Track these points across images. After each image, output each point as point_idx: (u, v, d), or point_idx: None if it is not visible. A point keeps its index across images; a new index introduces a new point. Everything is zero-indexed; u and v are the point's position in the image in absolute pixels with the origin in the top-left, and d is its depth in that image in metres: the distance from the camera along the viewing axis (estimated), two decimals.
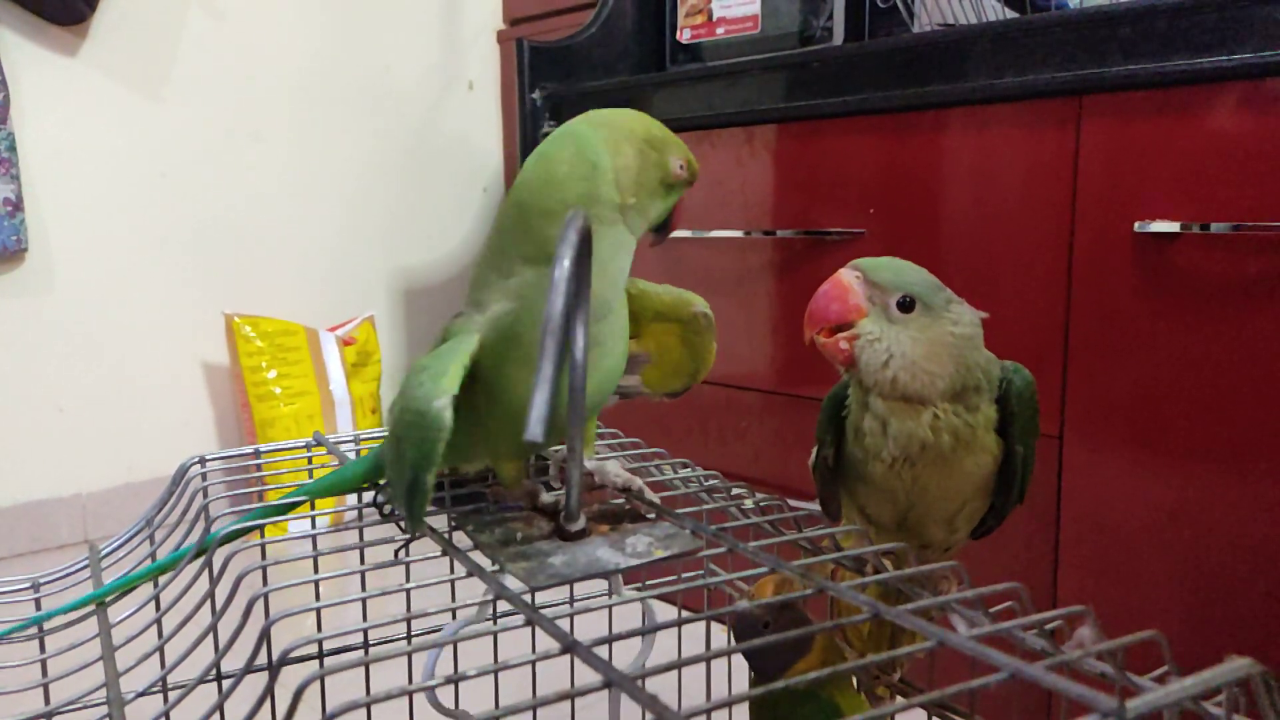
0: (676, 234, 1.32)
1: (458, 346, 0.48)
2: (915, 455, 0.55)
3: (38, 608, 0.59)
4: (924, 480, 0.56)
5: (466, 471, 0.59)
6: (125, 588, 0.58)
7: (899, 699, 0.64)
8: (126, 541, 0.64)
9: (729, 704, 0.35)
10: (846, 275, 0.55)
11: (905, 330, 0.53)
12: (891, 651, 0.37)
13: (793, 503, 0.64)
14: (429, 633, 0.73)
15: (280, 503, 0.60)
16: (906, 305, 0.53)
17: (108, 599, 0.59)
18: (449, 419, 0.46)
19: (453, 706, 0.57)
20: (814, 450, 0.63)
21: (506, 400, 0.50)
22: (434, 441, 0.46)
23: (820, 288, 0.56)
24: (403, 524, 0.54)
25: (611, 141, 0.49)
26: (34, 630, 0.58)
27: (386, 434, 0.53)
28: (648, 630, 0.43)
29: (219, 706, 0.47)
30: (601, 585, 0.82)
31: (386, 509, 0.56)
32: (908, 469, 0.56)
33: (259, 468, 0.69)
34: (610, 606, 0.57)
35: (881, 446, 0.56)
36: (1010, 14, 1.11)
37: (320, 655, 0.69)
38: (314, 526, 0.60)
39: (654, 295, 0.57)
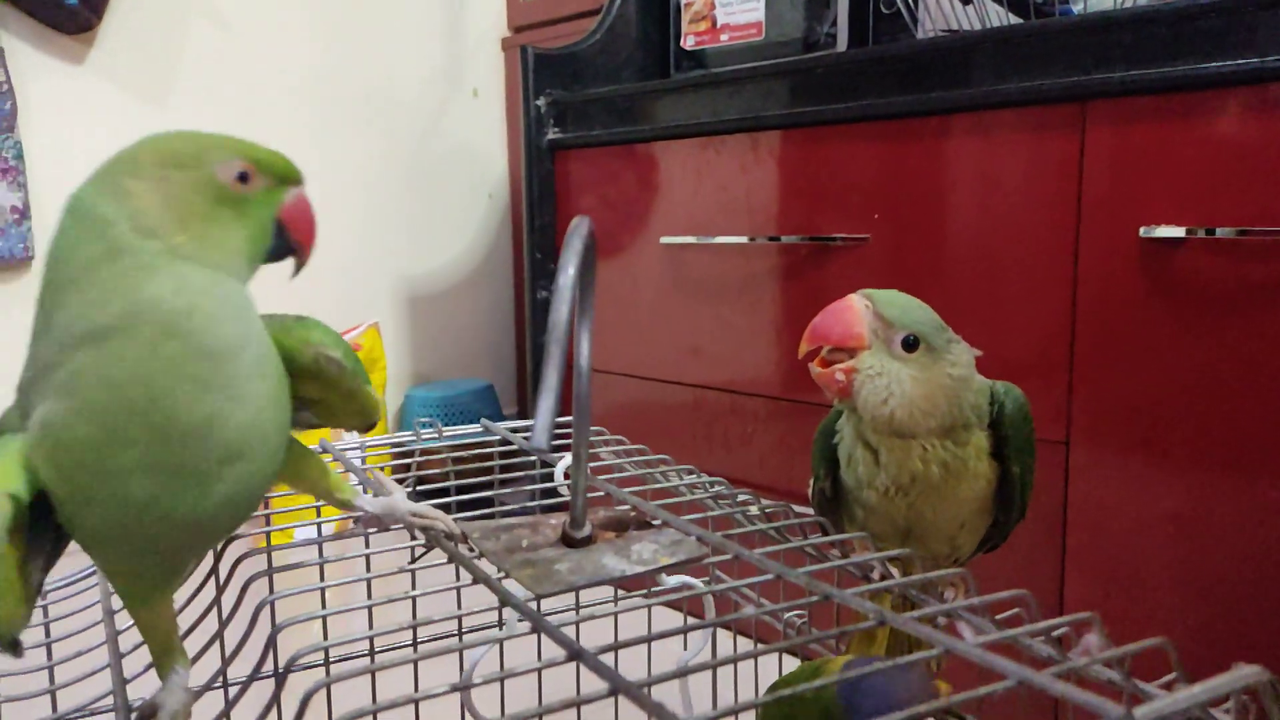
0: (680, 239, 1.33)
1: None
2: (907, 485, 0.55)
3: (45, 615, 0.59)
4: (919, 506, 0.56)
5: None
6: None
7: None
8: None
9: (736, 711, 0.35)
10: (857, 301, 0.55)
11: (906, 369, 0.53)
12: (895, 659, 0.36)
13: (798, 509, 0.64)
14: (435, 640, 0.73)
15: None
16: (911, 344, 0.53)
17: None
18: (8, 514, 0.37)
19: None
20: (811, 482, 0.63)
21: (92, 528, 0.40)
22: None
23: (829, 305, 0.55)
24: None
25: (112, 186, 0.39)
26: (42, 637, 0.58)
27: None
28: (654, 638, 0.43)
29: (226, 713, 0.47)
30: (609, 592, 0.82)
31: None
32: (901, 497, 0.56)
33: None
34: (615, 614, 0.57)
35: (874, 475, 0.56)
36: (1014, 20, 1.11)
37: (326, 663, 0.69)
38: (320, 534, 0.61)
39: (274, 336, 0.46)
